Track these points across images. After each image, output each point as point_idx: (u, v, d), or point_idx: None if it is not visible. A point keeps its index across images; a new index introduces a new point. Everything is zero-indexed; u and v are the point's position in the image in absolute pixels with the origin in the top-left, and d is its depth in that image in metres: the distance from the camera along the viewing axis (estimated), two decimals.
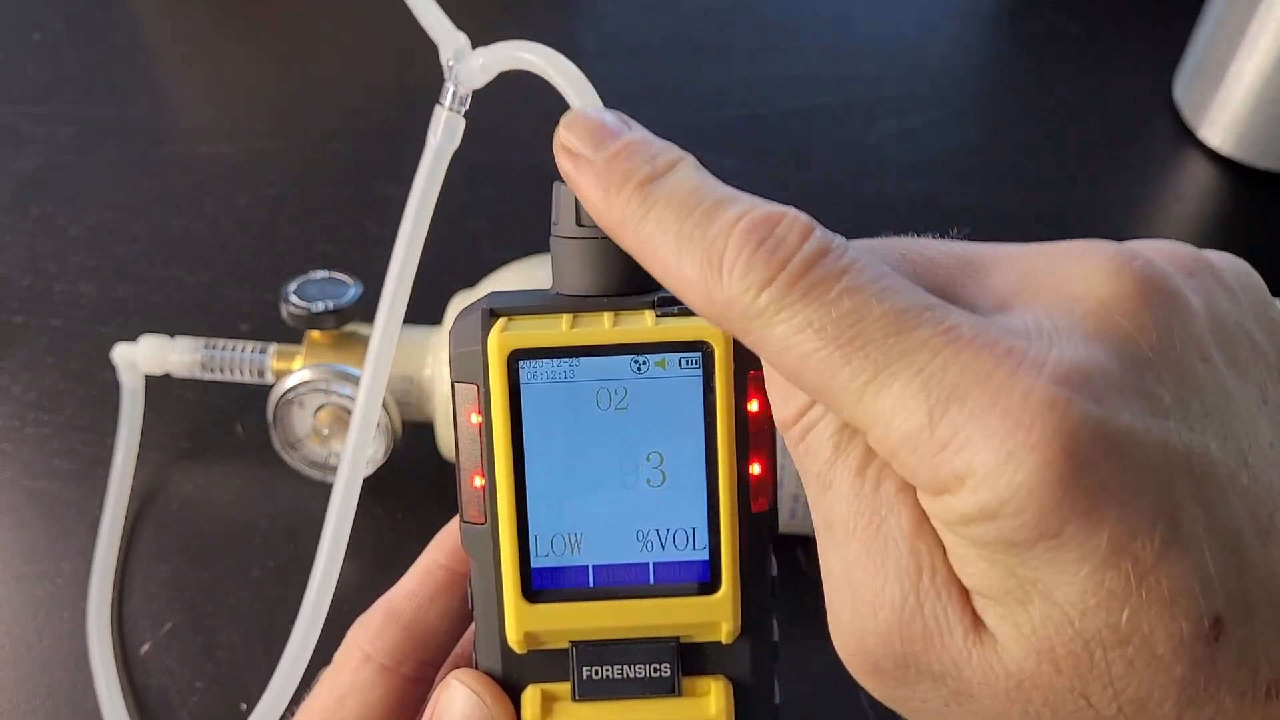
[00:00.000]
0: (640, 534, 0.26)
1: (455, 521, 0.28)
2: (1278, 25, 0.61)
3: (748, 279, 0.21)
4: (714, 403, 0.26)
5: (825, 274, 0.20)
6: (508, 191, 0.64)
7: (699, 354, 0.25)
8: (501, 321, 0.26)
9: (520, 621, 0.26)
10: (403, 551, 0.31)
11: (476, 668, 0.27)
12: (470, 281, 0.49)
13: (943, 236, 0.24)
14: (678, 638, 0.26)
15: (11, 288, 0.59)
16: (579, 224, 0.26)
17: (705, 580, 0.26)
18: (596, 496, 0.26)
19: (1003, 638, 0.20)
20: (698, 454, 0.26)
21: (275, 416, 0.48)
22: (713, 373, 0.26)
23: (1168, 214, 0.66)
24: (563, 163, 0.24)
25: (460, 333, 0.26)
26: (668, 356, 0.25)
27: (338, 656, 0.30)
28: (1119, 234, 0.67)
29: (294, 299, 0.48)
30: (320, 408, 0.48)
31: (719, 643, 0.27)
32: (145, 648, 0.47)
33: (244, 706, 0.45)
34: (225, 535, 0.50)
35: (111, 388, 0.52)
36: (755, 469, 0.26)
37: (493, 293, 0.27)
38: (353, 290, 0.48)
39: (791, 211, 0.21)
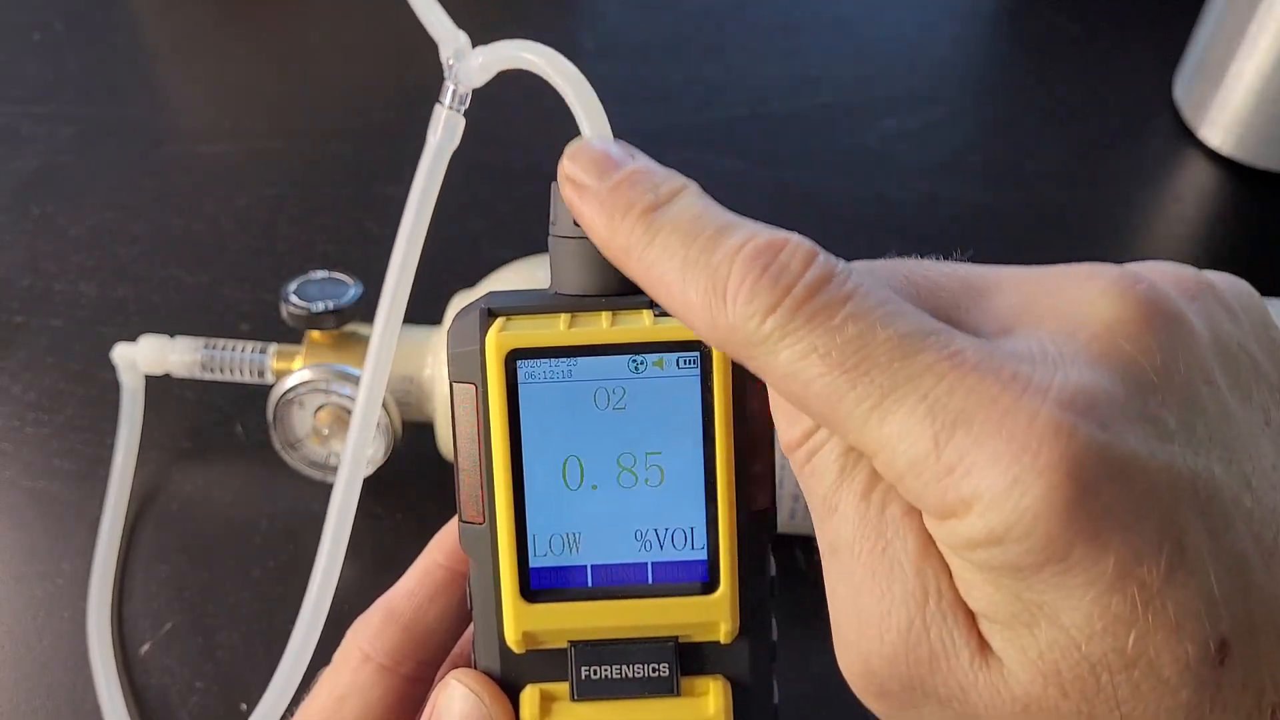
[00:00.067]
0: (639, 534, 0.26)
1: (454, 521, 0.28)
2: (1278, 25, 0.61)
3: (752, 305, 0.21)
4: (712, 402, 0.26)
5: (829, 300, 0.20)
6: (507, 191, 0.64)
7: (697, 354, 0.25)
8: (500, 321, 0.26)
9: (519, 621, 0.26)
10: (403, 551, 0.31)
11: (475, 667, 0.27)
12: (470, 281, 0.50)
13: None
14: (676, 637, 0.26)
15: (11, 288, 0.59)
16: (578, 224, 0.26)
17: (704, 580, 0.26)
18: (595, 496, 0.26)
19: (1009, 661, 0.20)
20: (696, 453, 0.26)
21: (275, 416, 0.48)
22: (711, 372, 0.26)
23: (1167, 214, 0.66)
24: (567, 193, 0.24)
25: (458, 332, 0.26)
26: (666, 356, 0.25)
27: (337, 657, 0.30)
28: (1119, 233, 0.67)
29: (294, 299, 0.48)
30: (320, 408, 0.48)
31: (718, 642, 0.27)
32: (145, 648, 0.47)
33: (244, 706, 0.45)
34: (225, 535, 0.50)
35: (111, 388, 0.52)
36: (754, 468, 0.26)
37: (491, 292, 0.27)
38: (353, 290, 0.48)
39: (795, 237, 0.22)
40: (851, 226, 0.63)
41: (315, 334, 0.49)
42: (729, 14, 0.77)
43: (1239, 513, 0.20)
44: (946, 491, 0.19)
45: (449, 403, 0.26)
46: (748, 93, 0.71)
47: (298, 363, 0.49)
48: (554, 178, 0.26)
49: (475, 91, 0.29)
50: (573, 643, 0.26)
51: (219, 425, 0.53)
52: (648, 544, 0.26)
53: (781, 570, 0.27)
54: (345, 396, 0.47)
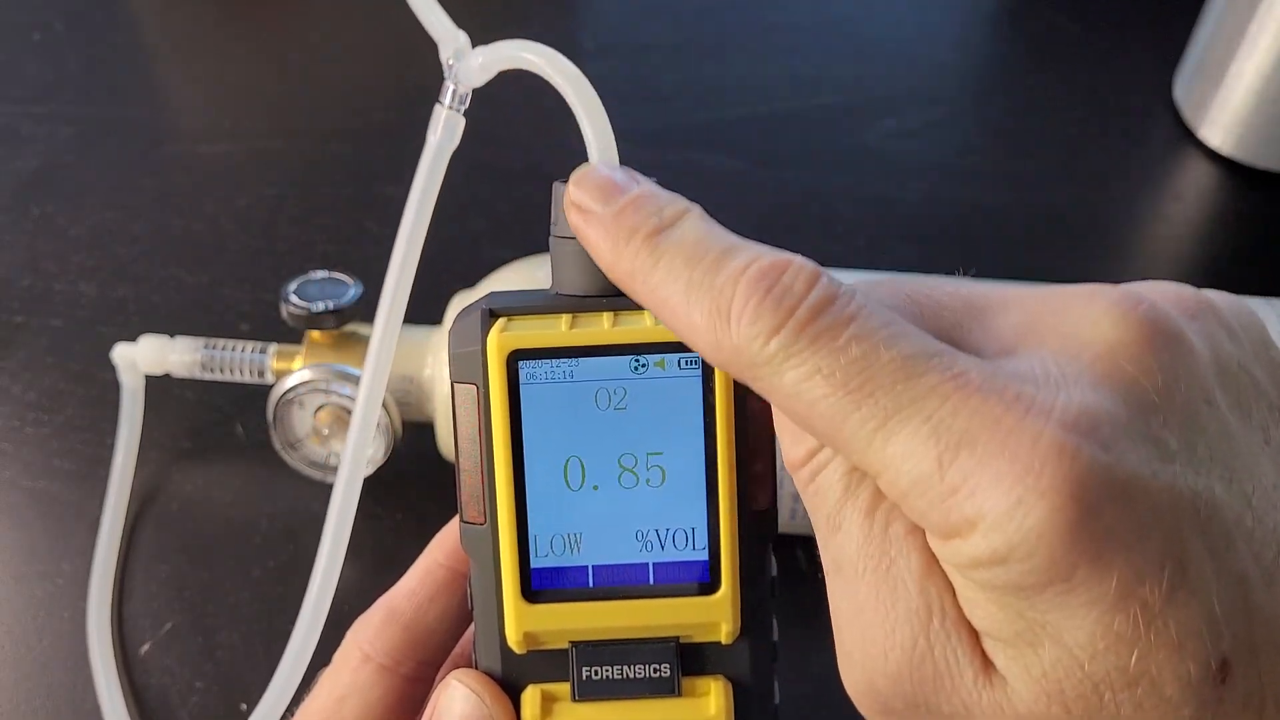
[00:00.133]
0: (640, 534, 0.26)
1: (455, 521, 0.28)
2: (1278, 25, 0.61)
3: (756, 327, 0.21)
4: (713, 402, 0.26)
5: (833, 321, 0.21)
6: (507, 191, 0.64)
7: (698, 354, 0.25)
8: (501, 322, 0.26)
9: (520, 622, 0.26)
10: (403, 551, 0.31)
11: (476, 668, 0.27)
12: (470, 281, 0.49)
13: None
14: (677, 638, 0.26)
15: (11, 288, 0.59)
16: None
17: (705, 580, 0.26)
18: (596, 497, 0.26)
19: (1013, 680, 0.21)
20: (697, 454, 0.26)
21: (275, 416, 0.48)
22: (712, 372, 0.26)
23: (1167, 214, 0.66)
24: (573, 219, 0.24)
25: (460, 333, 0.26)
26: (667, 357, 0.25)
27: (337, 657, 0.30)
28: (1119, 233, 0.67)
29: (294, 299, 0.48)
30: (320, 408, 0.48)
31: (719, 643, 0.27)
32: (145, 648, 0.47)
33: (244, 706, 0.45)
34: (225, 535, 0.50)
35: (111, 388, 0.52)
36: (755, 468, 0.26)
37: (492, 293, 0.27)
38: (353, 290, 0.48)
39: (798, 259, 0.22)
40: (851, 226, 0.63)
41: (315, 334, 0.49)
42: (729, 14, 0.76)
43: (1240, 532, 0.20)
44: (950, 512, 0.20)
45: (450, 403, 0.26)
46: (748, 93, 0.71)
47: (298, 363, 0.49)
48: (554, 178, 0.26)
49: (475, 91, 0.29)
50: (574, 643, 0.26)
51: (219, 425, 0.53)
52: (649, 544, 0.26)
53: (782, 570, 0.27)
54: (345, 396, 0.47)
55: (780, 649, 0.27)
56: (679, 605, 0.26)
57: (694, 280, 0.22)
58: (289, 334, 0.50)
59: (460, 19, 0.29)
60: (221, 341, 0.50)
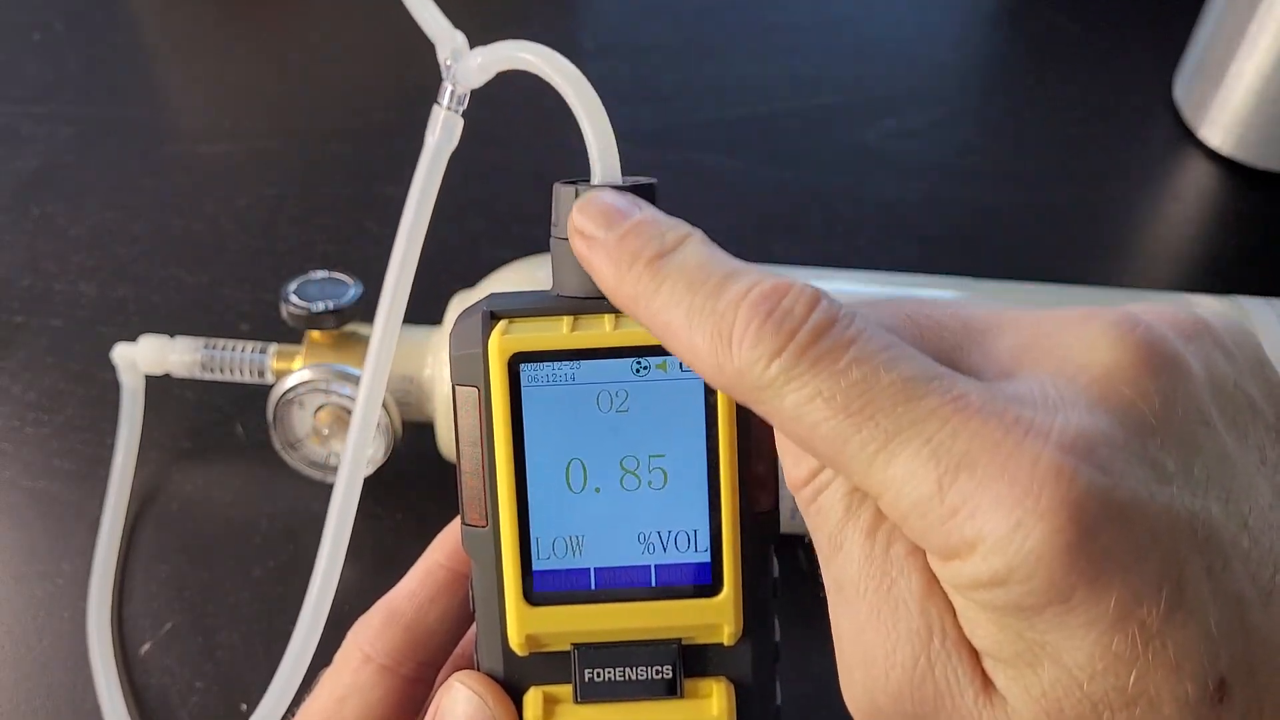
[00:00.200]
0: (642, 536, 0.26)
1: (456, 522, 0.28)
2: (1278, 25, 0.61)
3: (757, 350, 0.21)
4: (715, 405, 0.26)
5: (833, 344, 0.21)
6: (507, 191, 0.64)
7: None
8: (502, 324, 0.26)
9: (522, 624, 0.26)
10: (403, 552, 0.31)
11: (478, 669, 0.27)
12: (470, 281, 0.49)
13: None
14: (679, 640, 0.26)
15: (11, 288, 0.59)
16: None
17: (707, 582, 0.26)
18: (598, 499, 0.26)
19: (1013, 699, 0.21)
20: (699, 456, 0.26)
21: (275, 416, 0.48)
22: None
23: (1167, 214, 0.66)
24: (577, 245, 0.24)
25: (461, 335, 0.26)
26: (669, 359, 0.25)
27: (338, 657, 0.30)
28: (1119, 233, 0.67)
29: (294, 299, 0.48)
30: (320, 408, 0.48)
31: (721, 644, 0.27)
32: (145, 648, 0.47)
33: (244, 707, 0.45)
34: (225, 535, 0.50)
35: (111, 388, 0.52)
36: (757, 470, 0.26)
37: (493, 294, 0.27)
38: (353, 290, 0.48)
39: (799, 283, 0.22)
40: (851, 226, 0.63)
41: (315, 334, 0.49)
42: (729, 14, 0.76)
43: (1236, 553, 0.21)
44: (950, 533, 0.20)
45: (451, 404, 0.26)
46: (748, 93, 0.71)
47: (298, 363, 0.49)
48: (555, 178, 0.26)
49: (476, 91, 0.29)
50: (576, 645, 0.26)
51: (219, 425, 0.53)
52: (651, 546, 0.26)
53: (783, 571, 0.27)
54: (345, 396, 0.47)
55: (782, 650, 0.27)
56: (681, 607, 0.26)
57: (695, 304, 0.22)
58: (289, 334, 0.50)
59: (460, 19, 0.29)
60: (221, 341, 0.50)
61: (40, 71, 0.71)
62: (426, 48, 0.29)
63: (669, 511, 0.26)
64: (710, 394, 0.26)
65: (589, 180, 0.26)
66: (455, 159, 0.30)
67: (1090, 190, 0.66)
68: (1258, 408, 0.23)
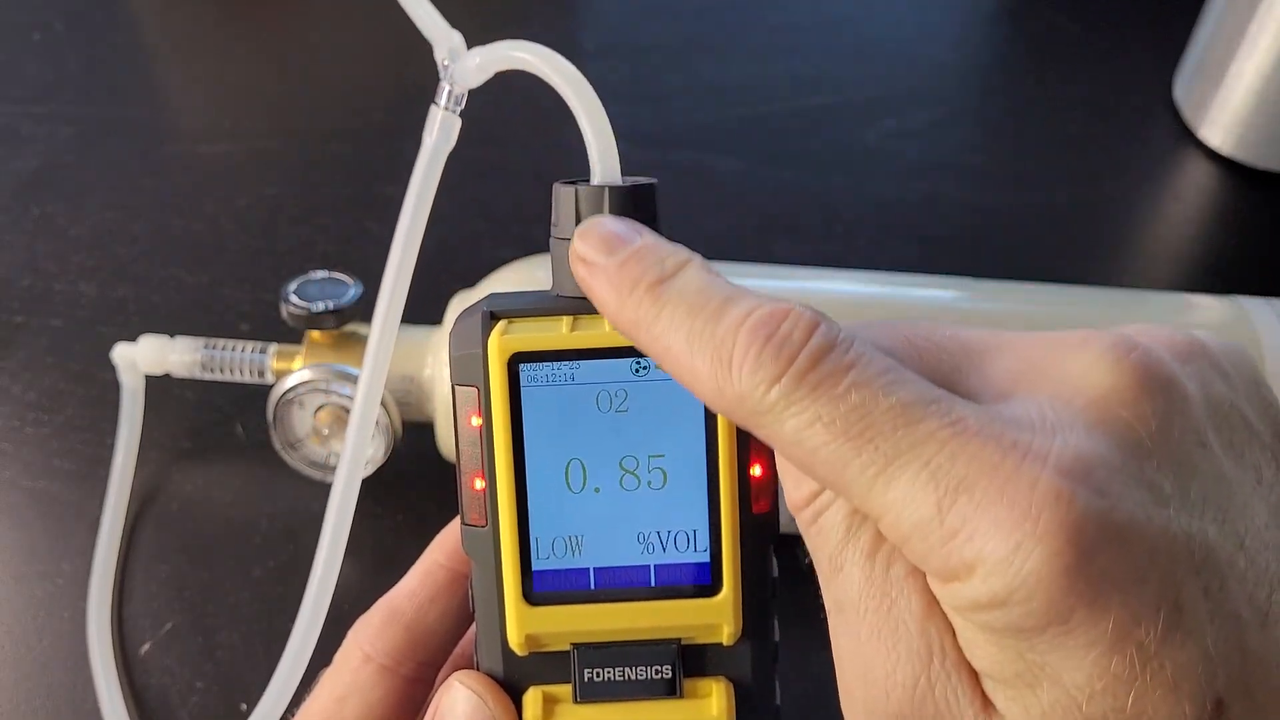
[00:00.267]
0: (641, 536, 0.26)
1: (456, 522, 0.28)
2: (1278, 25, 0.61)
3: (757, 375, 0.21)
4: None
5: (832, 369, 0.21)
6: (507, 191, 0.64)
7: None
8: (502, 324, 0.26)
9: (521, 624, 0.26)
10: (403, 551, 0.31)
11: (478, 669, 0.27)
12: (470, 281, 0.49)
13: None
14: (679, 639, 0.26)
15: (11, 288, 0.59)
16: (579, 226, 0.26)
17: (706, 582, 0.26)
18: (597, 499, 0.26)
19: (1012, 719, 0.21)
20: (698, 456, 0.26)
21: (275, 416, 0.48)
22: None
23: (1167, 214, 0.66)
24: (579, 271, 0.24)
25: (460, 335, 0.26)
26: None
27: (338, 657, 0.30)
28: (1119, 233, 0.66)
29: (294, 299, 0.48)
30: (320, 408, 0.48)
31: (720, 644, 0.27)
32: (145, 648, 0.47)
33: (244, 706, 0.45)
34: (225, 535, 0.50)
35: (111, 388, 0.52)
36: (756, 470, 0.26)
37: (492, 294, 0.27)
38: (353, 290, 0.48)
39: (797, 307, 0.22)
40: (851, 226, 0.63)
41: (315, 334, 0.49)
42: (729, 14, 0.76)
43: (1233, 573, 0.21)
44: (950, 556, 0.20)
45: (451, 404, 0.26)
46: (748, 93, 0.71)
47: (298, 363, 0.49)
48: (555, 178, 0.26)
49: (475, 91, 0.29)
50: (575, 645, 0.26)
51: (219, 425, 0.53)
52: (650, 546, 0.26)
53: (783, 570, 0.27)
54: (345, 396, 0.47)
55: (781, 649, 0.27)
56: (680, 607, 0.26)
57: (695, 329, 0.22)
58: (289, 334, 0.50)
59: (460, 19, 0.29)
60: (221, 341, 0.50)
61: (40, 71, 0.71)
62: (427, 47, 0.29)
63: (668, 511, 0.26)
64: None
65: (589, 180, 0.26)
66: (455, 159, 0.30)
67: (1090, 190, 0.66)
68: (1254, 428, 0.23)
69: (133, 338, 0.51)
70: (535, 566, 0.26)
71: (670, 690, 0.26)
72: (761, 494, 0.26)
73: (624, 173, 0.26)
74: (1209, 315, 0.48)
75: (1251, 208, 0.65)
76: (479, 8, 0.75)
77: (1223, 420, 0.23)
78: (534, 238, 0.40)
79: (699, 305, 0.23)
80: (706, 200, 0.64)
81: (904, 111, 0.70)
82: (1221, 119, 0.66)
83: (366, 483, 0.48)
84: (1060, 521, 0.19)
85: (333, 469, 0.49)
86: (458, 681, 0.27)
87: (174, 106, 0.72)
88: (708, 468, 0.26)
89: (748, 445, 0.26)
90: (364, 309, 0.46)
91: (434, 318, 0.48)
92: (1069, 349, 0.23)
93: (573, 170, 0.27)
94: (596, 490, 0.26)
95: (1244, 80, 0.63)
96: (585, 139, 0.26)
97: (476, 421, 0.26)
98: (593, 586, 0.26)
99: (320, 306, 0.47)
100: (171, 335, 0.51)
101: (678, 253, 0.24)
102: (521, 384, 0.26)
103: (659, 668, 0.26)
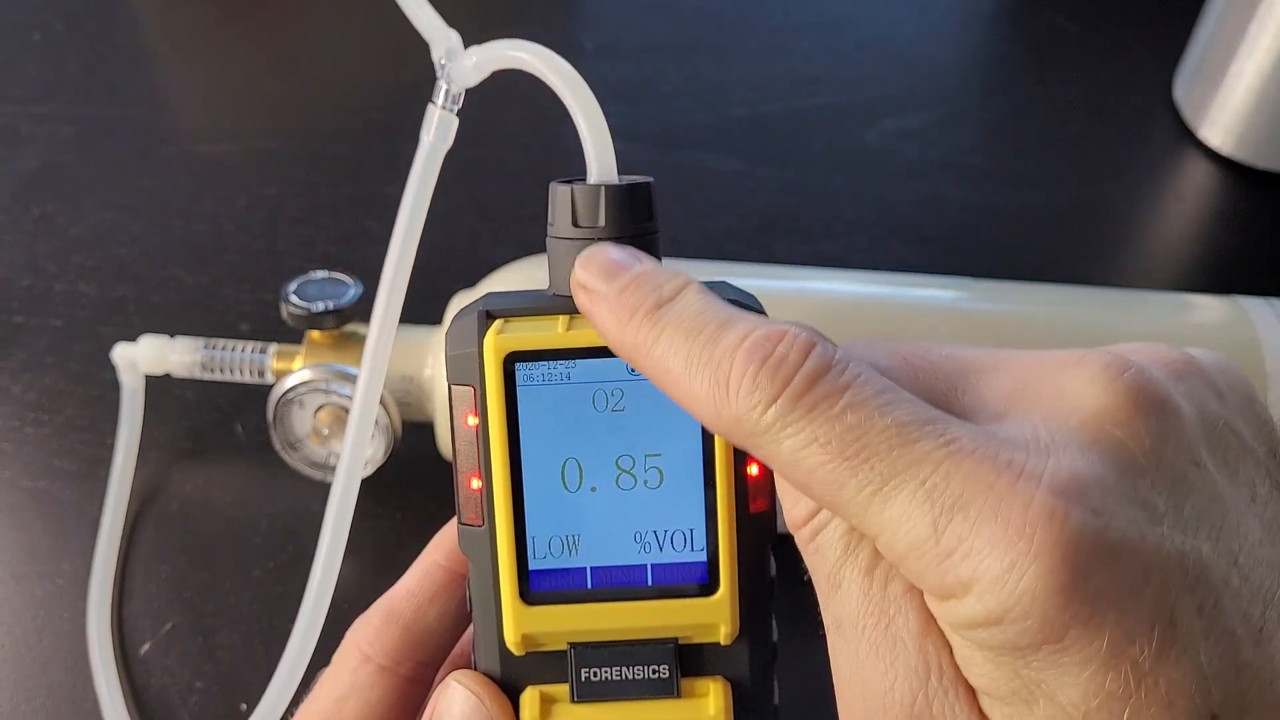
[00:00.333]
0: (638, 535, 0.26)
1: (454, 522, 0.28)
2: (1278, 25, 0.61)
3: (753, 397, 0.22)
4: None
5: (828, 390, 0.21)
6: (506, 191, 0.64)
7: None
8: (498, 323, 0.26)
9: (518, 624, 0.26)
10: (402, 551, 0.31)
11: (475, 669, 0.27)
12: (469, 281, 0.49)
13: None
14: (676, 639, 0.26)
15: (11, 288, 0.59)
16: (575, 225, 0.26)
17: (704, 581, 0.26)
18: (594, 498, 0.26)
19: None
20: (695, 455, 0.26)
21: (275, 416, 0.48)
22: None
23: (1167, 213, 0.66)
24: (579, 298, 0.25)
25: (456, 335, 0.26)
26: None
27: (337, 657, 0.30)
28: (1119, 233, 0.66)
29: (294, 299, 0.48)
30: (320, 408, 0.48)
31: (718, 644, 0.27)
32: (145, 648, 0.47)
33: (244, 706, 0.45)
34: (225, 535, 0.50)
35: (111, 388, 0.52)
36: (753, 469, 0.26)
37: (489, 294, 0.27)
38: (353, 290, 0.48)
39: (793, 329, 0.22)
40: (851, 226, 0.63)
41: (315, 334, 0.49)
42: (729, 14, 0.77)
43: (1227, 591, 0.21)
44: (946, 574, 0.20)
45: (448, 404, 0.26)
46: (748, 93, 0.71)
47: (298, 363, 0.49)
48: (553, 177, 0.26)
49: (473, 90, 0.29)
50: (573, 645, 0.26)
51: (219, 425, 0.53)
52: (647, 546, 0.26)
53: (781, 571, 0.27)
54: (345, 396, 0.47)
55: (779, 649, 0.27)
56: (678, 606, 0.26)
57: (693, 352, 0.23)
58: (289, 334, 0.50)
59: (459, 18, 0.29)
60: (221, 341, 0.50)
61: (40, 71, 0.71)
62: (426, 47, 0.29)
63: (665, 510, 0.26)
64: None
65: (585, 180, 0.26)
66: (454, 158, 0.30)
67: (1090, 190, 0.66)
68: (1248, 445, 0.23)
69: (133, 338, 0.51)
70: (532, 566, 0.26)
71: (668, 690, 0.26)
72: (759, 493, 0.26)
73: (621, 171, 0.26)
74: (1209, 315, 0.48)
75: (1251, 208, 0.65)
76: (477, 7, 0.75)
77: (1216, 438, 0.23)
78: (532, 237, 0.40)
79: (696, 328, 0.23)
80: (706, 200, 0.64)
81: (904, 111, 0.70)
82: (1221, 119, 0.66)
83: (366, 483, 0.48)
84: (1054, 540, 0.19)
85: (333, 469, 0.49)
86: (455, 681, 0.27)
87: (174, 106, 0.72)
88: (704, 467, 0.26)
89: None
90: (364, 309, 0.46)
91: (434, 318, 0.48)
92: (1064, 368, 0.23)
93: (571, 169, 0.27)
94: (593, 489, 0.26)
95: (1244, 80, 0.63)
96: (582, 138, 0.26)
97: (473, 421, 0.26)
98: (589, 586, 0.26)
99: (320, 306, 0.47)
100: (171, 335, 0.51)
101: (675, 278, 0.24)
102: (517, 383, 0.26)
103: (656, 667, 0.26)
